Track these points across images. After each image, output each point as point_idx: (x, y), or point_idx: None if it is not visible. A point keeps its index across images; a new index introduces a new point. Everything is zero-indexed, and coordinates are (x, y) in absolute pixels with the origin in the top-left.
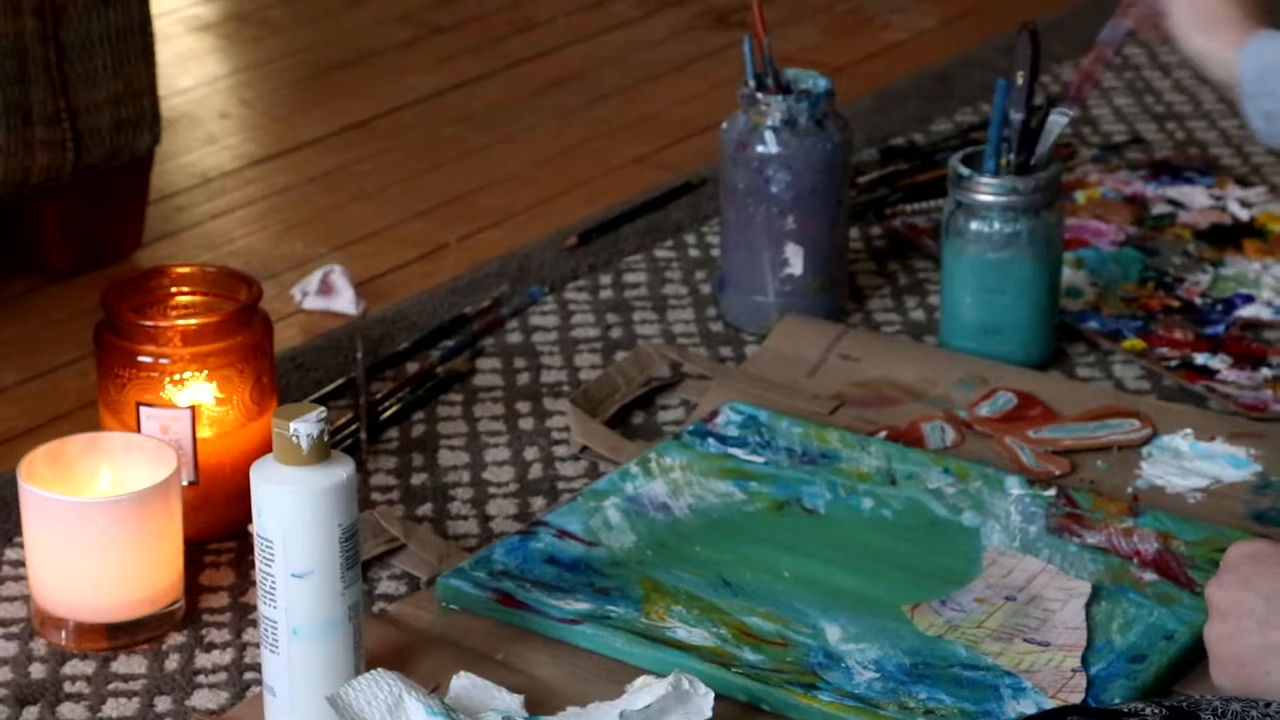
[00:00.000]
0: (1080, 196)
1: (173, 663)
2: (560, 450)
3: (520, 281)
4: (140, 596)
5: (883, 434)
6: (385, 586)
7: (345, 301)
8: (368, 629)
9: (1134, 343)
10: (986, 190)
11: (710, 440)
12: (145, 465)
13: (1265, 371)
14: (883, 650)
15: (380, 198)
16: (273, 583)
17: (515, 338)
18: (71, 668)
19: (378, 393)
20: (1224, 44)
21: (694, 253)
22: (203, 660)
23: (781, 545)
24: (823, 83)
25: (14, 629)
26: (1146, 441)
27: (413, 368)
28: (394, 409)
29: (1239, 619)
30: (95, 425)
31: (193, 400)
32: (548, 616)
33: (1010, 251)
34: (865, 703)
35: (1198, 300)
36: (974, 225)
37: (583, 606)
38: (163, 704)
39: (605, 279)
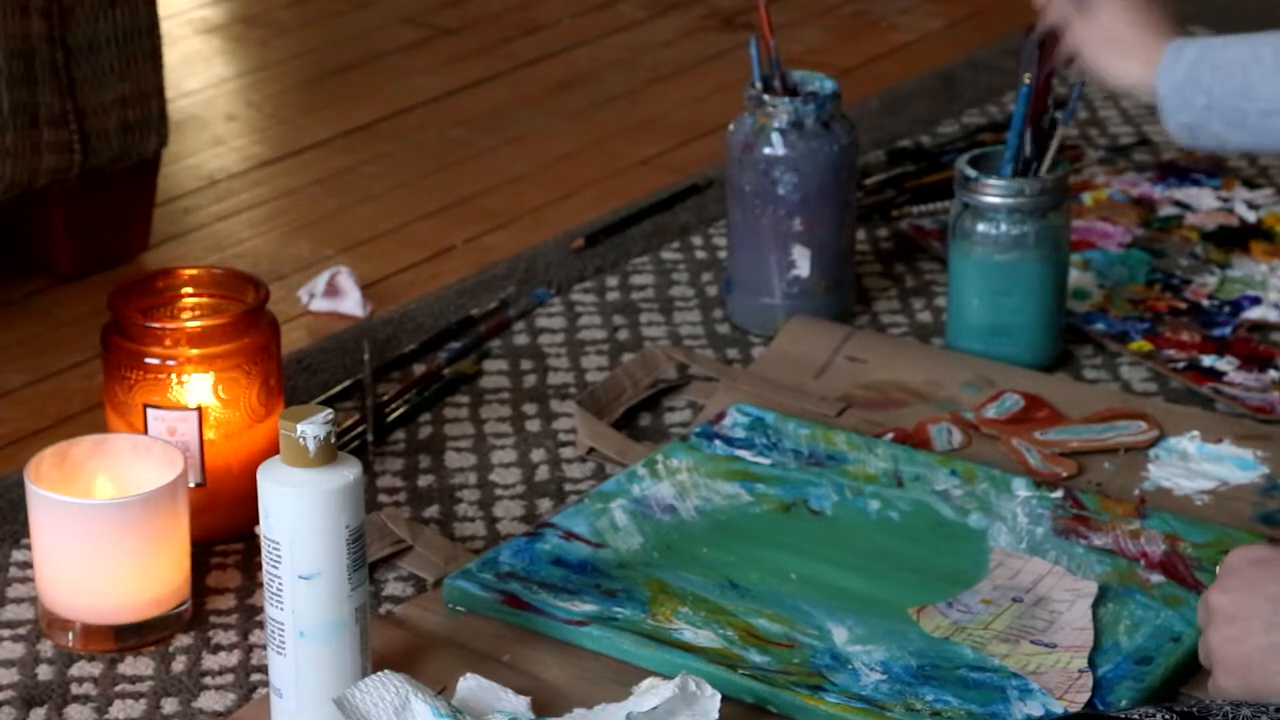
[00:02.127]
0: (1087, 198)
1: (180, 664)
2: (567, 452)
3: (527, 283)
4: (147, 598)
5: (889, 436)
6: (392, 588)
7: (352, 303)
8: (374, 631)
9: (1141, 344)
10: (993, 192)
11: (717, 442)
12: (152, 467)
13: (1272, 373)
14: (889, 652)
15: (387, 199)
16: (279, 584)
17: (522, 339)
18: (79, 669)
19: (384, 394)
20: (1140, 65)
21: (701, 254)
22: (210, 662)
23: (788, 547)
24: (829, 85)
25: (21, 631)
26: (1154, 443)
27: (419, 369)
28: (401, 411)
29: (1245, 621)
30: (102, 427)
31: (200, 402)
32: (554, 618)
33: (1017, 253)
34: (872, 704)
35: (1205, 302)
36: (981, 227)
37: (589, 608)
38: (170, 705)
39: (612, 281)
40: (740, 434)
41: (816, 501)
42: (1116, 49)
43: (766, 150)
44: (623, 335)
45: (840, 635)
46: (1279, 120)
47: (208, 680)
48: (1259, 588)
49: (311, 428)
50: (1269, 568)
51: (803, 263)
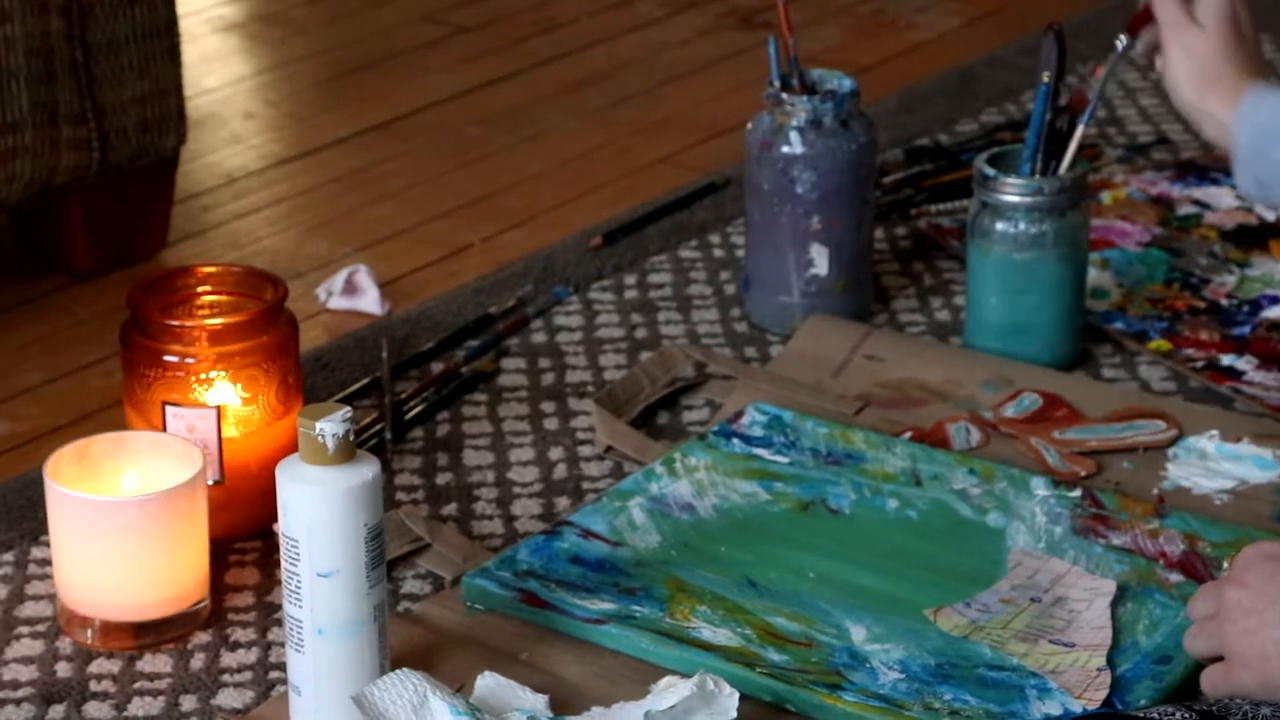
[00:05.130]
0: (1106, 197)
1: (198, 662)
2: (585, 450)
3: (545, 282)
4: (166, 595)
5: (908, 435)
6: (410, 586)
7: (370, 301)
8: (392, 628)
9: (1160, 344)
10: (1012, 191)
11: (735, 440)
12: (171, 464)
13: None
14: (908, 650)
15: (404, 198)
16: (298, 582)
17: (540, 338)
18: (97, 666)
19: (403, 392)
20: (1220, 104)
21: (719, 253)
22: (228, 659)
23: (806, 546)
24: (848, 83)
25: (40, 628)
26: (1172, 443)
27: (438, 367)
28: (419, 409)
29: (1261, 614)
30: (121, 424)
31: (218, 400)
32: (572, 616)
33: (1036, 252)
34: (890, 703)
35: (1224, 301)
36: (999, 226)
37: (607, 606)
38: (188, 703)
39: (630, 279)
40: (758, 432)
41: (835, 500)
42: (1202, 78)
43: (785, 149)
44: (640, 334)
45: (858, 634)
46: None
47: (226, 678)
48: (1273, 581)
49: (330, 425)
50: None
51: (821, 261)
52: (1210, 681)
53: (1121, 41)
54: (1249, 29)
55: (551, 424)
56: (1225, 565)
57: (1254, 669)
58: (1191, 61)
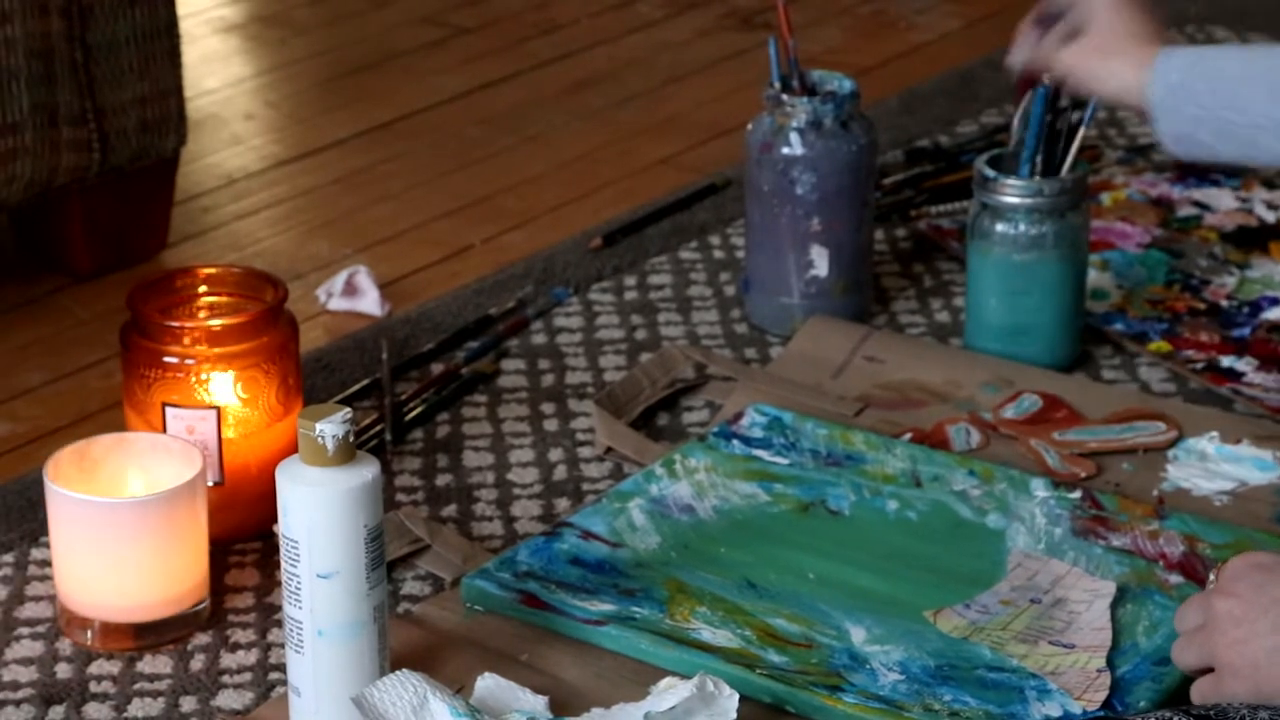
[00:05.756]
0: (1106, 198)
1: (198, 663)
2: (585, 452)
3: (545, 283)
4: (166, 597)
5: (908, 436)
6: (410, 587)
7: (370, 302)
8: (392, 630)
9: (1160, 345)
10: (1012, 192)
11: (735, 442)
12: (171, 466)
13: None
14: (908, 652)
15: (405, 199)
16: (298, 583)
17: (540, 339)
18: (97, 668)
19: (403, 394)
20: (1135, 71)
21: (719, 254)
22: (228, 660)
23: (806, 547)
24: (848, 84)
25: (40, 629)
26: (1172, 444)
27: (438, 369)
28: (419, 410)
29: (1251, 624)
30: (121, 426)
31: (218, 401)
32: (572, 618)
33: (1036, 253)
34: (890, 704)
35: (1224, 303)
36: (999, 227)
37: (607, 608)
38: (188, 704)
39: (630, 280)
40: (758, 434)
41: (834, 501)
42: (1108, 55)
43: (785, 150)
44: (640, 335)
45: (858, 635)
46: (1267, 136)
47: (226, 679)
48: (1263, 591)
49: (330, 427)
50: (1271, 572)
51: (821, 262)
52: (1201, 693)
53: (1015, 124)
54: (1136, 6)
55: (551, 425)
56: (1213, 578)
57: (1245, 679)
58: (1093, 60)
